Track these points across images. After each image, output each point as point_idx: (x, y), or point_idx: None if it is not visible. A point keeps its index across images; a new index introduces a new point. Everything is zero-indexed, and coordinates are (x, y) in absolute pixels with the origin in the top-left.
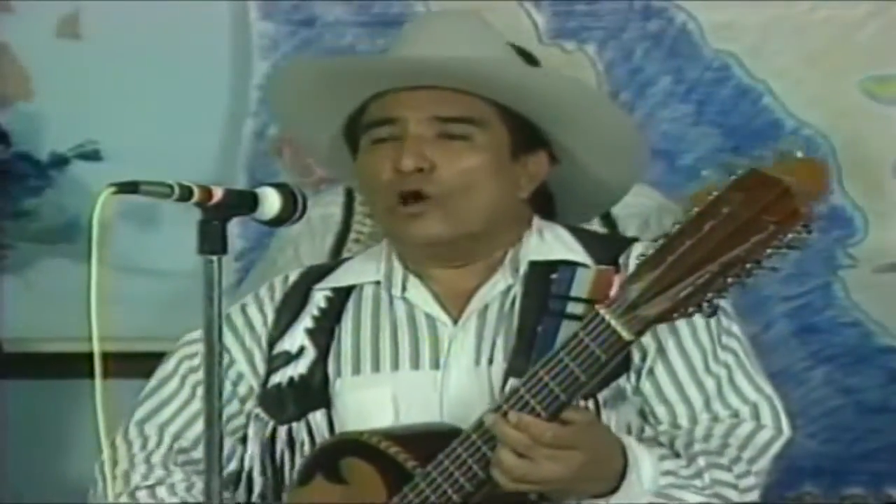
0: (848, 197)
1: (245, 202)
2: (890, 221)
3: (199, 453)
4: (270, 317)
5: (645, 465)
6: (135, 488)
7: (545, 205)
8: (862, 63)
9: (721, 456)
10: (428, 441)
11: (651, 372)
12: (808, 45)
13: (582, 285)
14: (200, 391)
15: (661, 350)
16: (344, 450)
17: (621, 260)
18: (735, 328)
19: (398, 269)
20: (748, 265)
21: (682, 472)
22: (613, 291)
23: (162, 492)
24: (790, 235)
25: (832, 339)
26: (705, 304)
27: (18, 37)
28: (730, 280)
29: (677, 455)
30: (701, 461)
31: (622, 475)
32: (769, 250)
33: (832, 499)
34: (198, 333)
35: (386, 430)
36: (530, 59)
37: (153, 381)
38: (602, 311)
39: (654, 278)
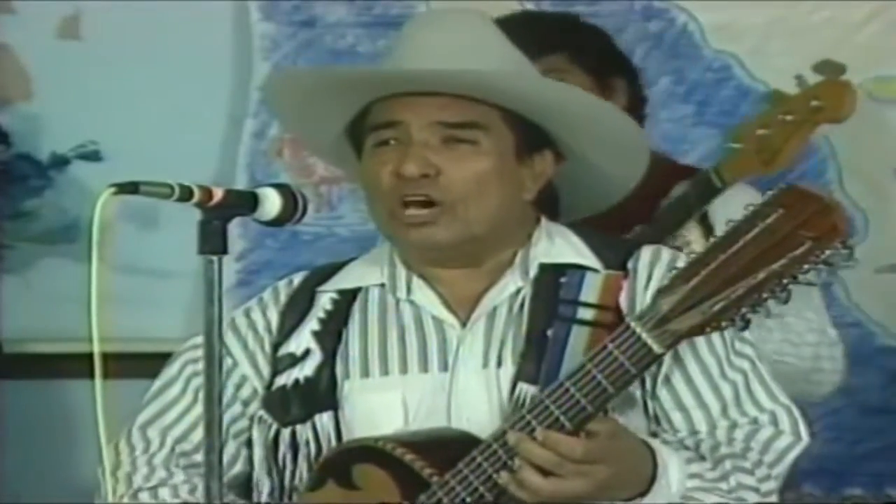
0: (849, 198)
1: (245, 203)
2: (890, 222)
3: (201, 457)
4: (274, 320)
5: (673, 469)
6: (137, 490)
7: (549, 203)
8: (862, 64)
9: (745, 459)
10: (443, 449)
11: (667, 380)
12: (809, 45)
13: (591, 290)
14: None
15: (678, 357)
16: (357, 456)
17: (630, 265)
18: (747, 334)
19: (401, 272)
20: (785, 280)
21: (707, 475)
22: (622, 297)
23: (164, 493)
24: (828, 251)
25: None
26: (738, 319)
27: (19, 38)
28: (765, 295)
29: (702, 458)
30: (727, 464)
31: (651, 479)
32: (806, 266)
33: (833, 499)
34: (202, 338)
35: (400, 437)
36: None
37: (157, 385)
38: (633, 324)
39: (687, 292)
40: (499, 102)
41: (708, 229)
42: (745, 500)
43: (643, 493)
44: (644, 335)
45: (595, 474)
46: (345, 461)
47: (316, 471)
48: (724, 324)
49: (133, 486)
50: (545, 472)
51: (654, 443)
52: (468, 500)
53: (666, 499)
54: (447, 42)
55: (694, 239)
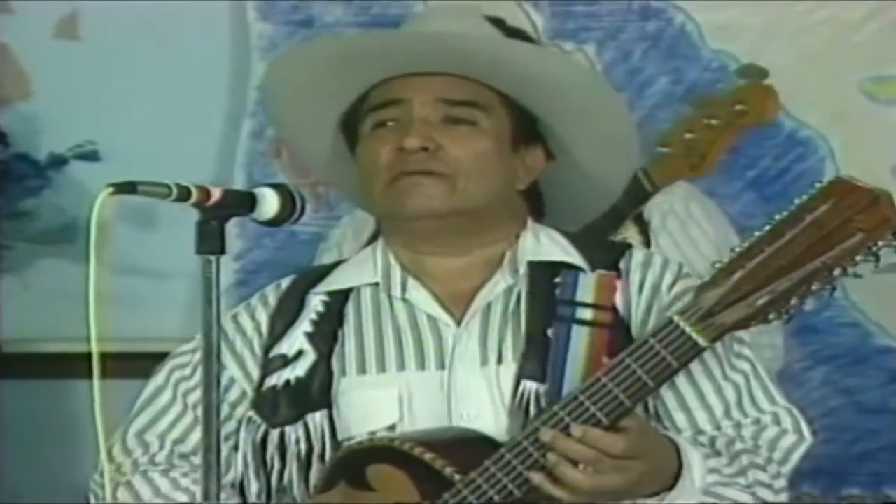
0: None
1: (243, 202)
2: None
3: (199, 459)
4: (264, 322)
5: (696, 465)
6: (144, 471)
7: (535, 205)
8: (861, 64)
9: (758, 456)
10: (461, 448)
11: (672, 380)
12: (807, 45)
13: (586, 290)
14: (192, 400)
15: None
16: (371, 456)
17: (622, 265)
18: (745, 336)
19: (396, 270)
20: (835, 272)
21: (725, 471)
22: (617, 297)
23: (175, 473)
24: (880, 243)
25: (830, 339)
26: (784, 312)
27: (17, 37)
28: (814, 287)
29: (718, 454)
30: (744, 460)
31: (676, 475)
32: (858, 258)
33: (830, 499)
34: (188, 345)
35: (416, 436)
36: (526, 38)
37: (146, 394)
38: (676, 319)
39: (732, 285)
40: (495, 79)
41: (643, 226)
42: (759, 497)
43: (669, 489)
44: (688, 329)
45: (631, 470)
46: (357, 461)
47: (326, 472)
48: (771, 316)
49: (139, 469)
50: (585, 469)
51: (678, 438)
52: (496, 498)
53: (690, 494)
54: (444, 27)
55: (631, 236)
